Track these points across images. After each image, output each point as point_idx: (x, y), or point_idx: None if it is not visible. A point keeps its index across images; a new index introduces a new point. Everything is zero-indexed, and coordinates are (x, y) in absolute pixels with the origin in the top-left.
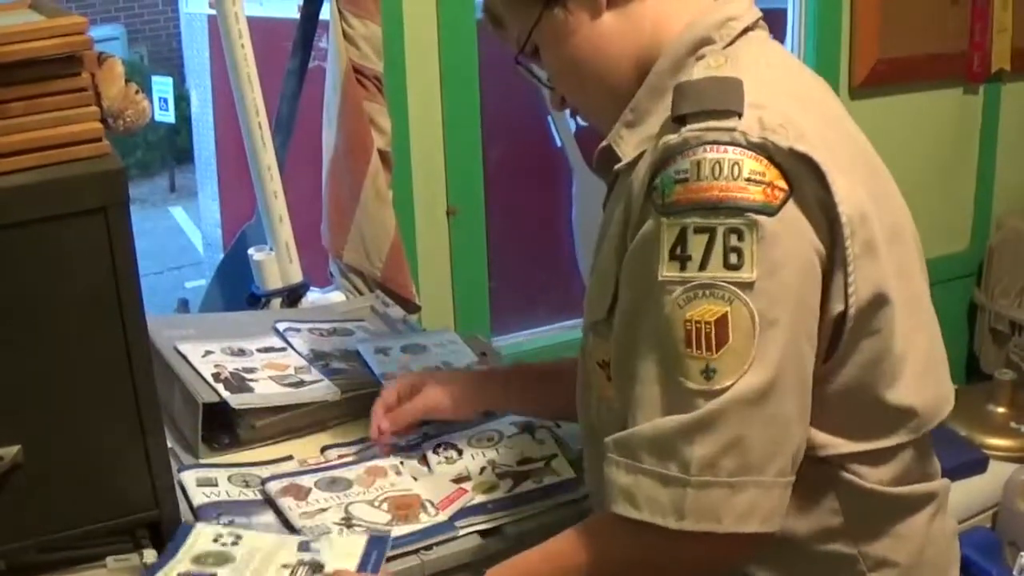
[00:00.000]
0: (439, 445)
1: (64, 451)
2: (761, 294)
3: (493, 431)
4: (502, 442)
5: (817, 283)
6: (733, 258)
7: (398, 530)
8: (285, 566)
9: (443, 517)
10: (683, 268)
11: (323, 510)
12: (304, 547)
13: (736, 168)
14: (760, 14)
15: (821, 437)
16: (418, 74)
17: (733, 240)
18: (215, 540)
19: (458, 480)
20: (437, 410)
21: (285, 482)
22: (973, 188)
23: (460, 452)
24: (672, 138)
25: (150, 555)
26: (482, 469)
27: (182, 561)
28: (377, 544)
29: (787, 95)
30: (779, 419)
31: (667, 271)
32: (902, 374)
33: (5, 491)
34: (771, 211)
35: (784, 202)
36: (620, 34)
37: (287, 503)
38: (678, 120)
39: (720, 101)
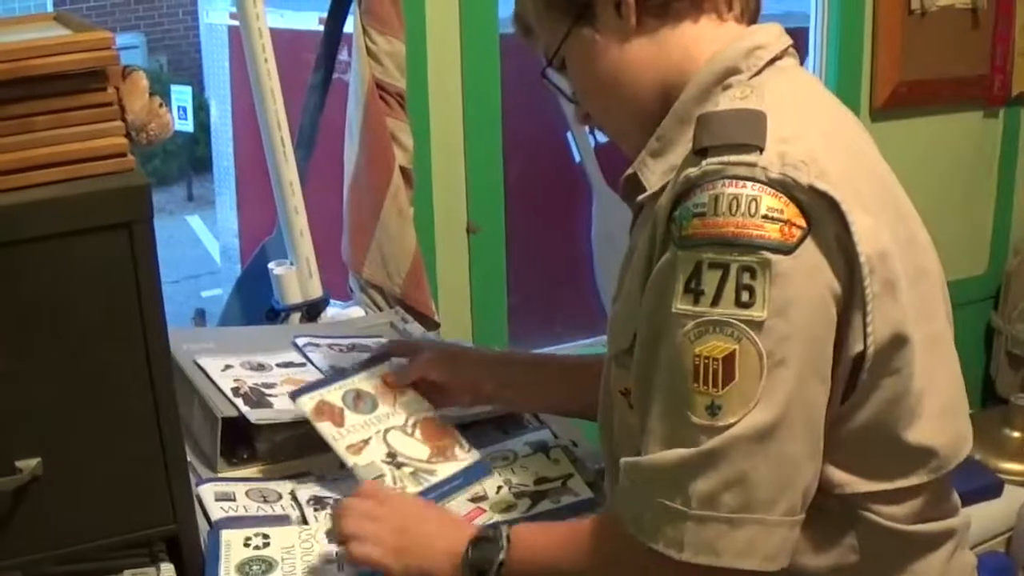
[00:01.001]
0: None
1: (83, 464)
2: (770, 333)
3: (508, 451)
4: (517, 462)
5: (830, 323)
6: (745, 296)
7: (442, 471)
8: (330, 562)
9: (477, 455)
10: (696, 302)
11: (365, 441)
12: (331, 534)
13: (754, 204)
14: (790, 42)
15: (839, 475)
16: (440, 91)
17: (746, 278)
18: (246, 544)
19: (474, 499)
20: (433, 375)
21: (316, 398)
22: (992, 212)
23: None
24: (693, 171)
25: (167, 569)
26: (498, 489)
27: (229, 573)
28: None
29: (812, 129)
30: (786, 458)
31: (680, 304)
32: (922, 414)
33: (24, 503)
34: (787, 250)
35: (801, 240)
36: (648, 58)
37: (328, 430)
38: (700, 153)
39: (742, 135)
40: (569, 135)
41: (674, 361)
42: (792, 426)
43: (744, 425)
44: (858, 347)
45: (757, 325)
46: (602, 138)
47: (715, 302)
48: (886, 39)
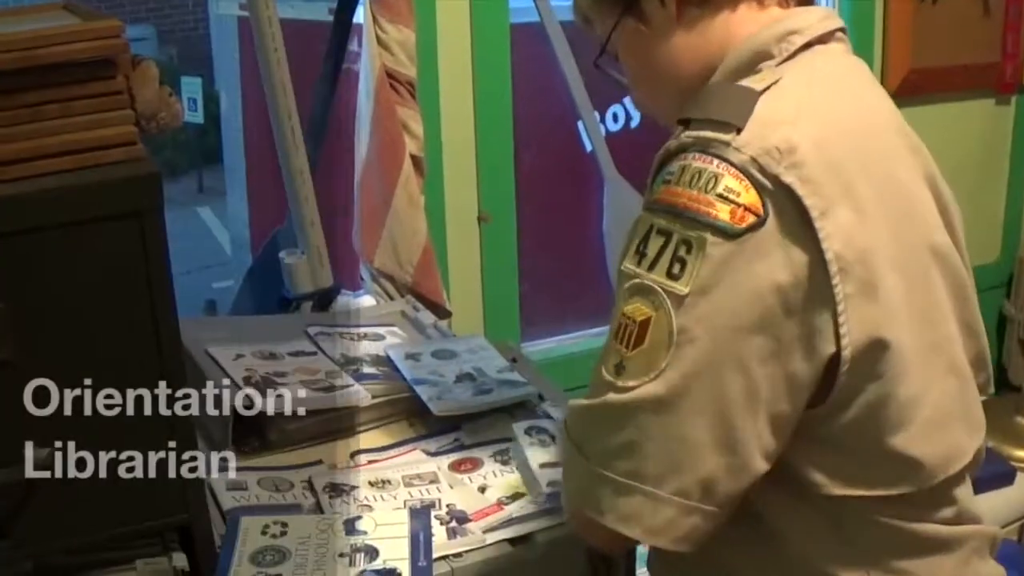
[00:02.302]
0: (461, 462)
1: (94, 454)
2: (688, 310)
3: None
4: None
5: (763, 317)
6: (676, 268)
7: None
8: (342, 555)
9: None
10: (638, 264)
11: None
12: (350, 528)
13: (713, 181)
14: (835, 25)
15: (819, 478)
16: (451, 80)
17: (682, 250)
18: (263, 532)
19: (482, 490)
20: None
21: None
22: (1003, 199)
23: (482, 464)
24: (673, 142)
25: (179, 558)
26: (508, 482)
27: (242, 562)
28: (420, 517)
29: (814, 118)
30: (680, 438)
31: (628, 262)
32: (910, 422)
33: (35, 494)
34: (731, 233)
35: (752, 228)
36: (690, 47)
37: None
38: (683, 123)
39: (725, 112)
40: (580, 124)
41: (613, 316)
42: (691, 408)
43: (641, 392)
44: (830, 348)
45: (678, 299)
46: (612, 127)
47: (651, 267)
48: (897, 27)
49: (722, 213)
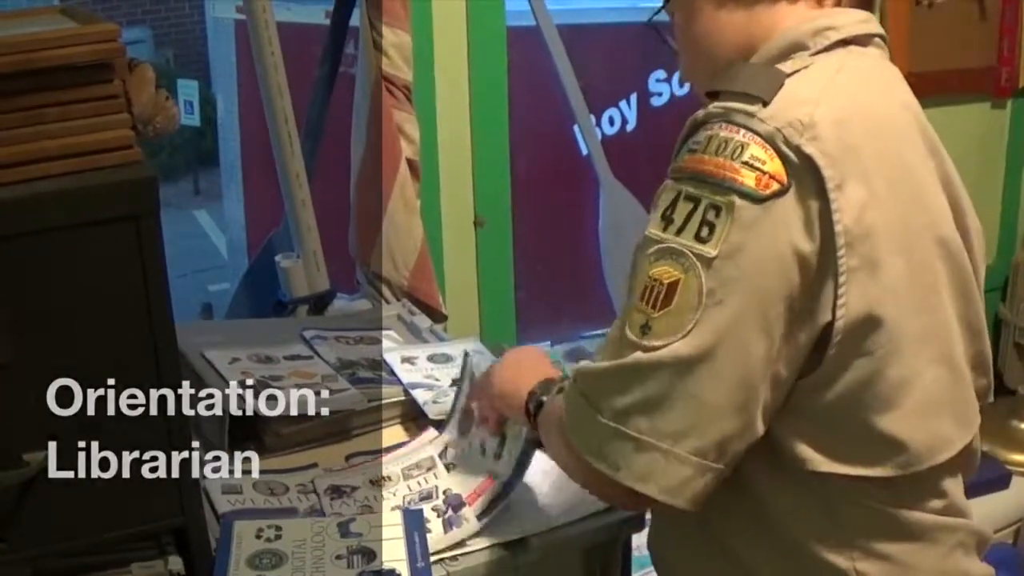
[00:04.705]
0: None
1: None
2: (717, 272)
3: None
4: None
5: (785, 282)
6: (704, 231)
7: None
8: (339, 558)
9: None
10: (665, 229)
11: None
12: (345, 530)
13: (740, 149)
14: (876, 30)
15: (806, 451)
16: (447, 84)
17: (711, 215)
18: (258, 536)
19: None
20: None
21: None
22: (999, 203)
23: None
24: (701, 112)
25: (175, 561)
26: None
27: (239, 566)
28: (414, 519)
29: (836, 101)
30: (702, 398)
31: (653, 228)
32: (898, 404)
33: (31, 496)
34: (757, 198)
35: (776, 195)
36: (737, 25)
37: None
38: (711, 95)
39: (752, 86)
40: (576, 128)
41: (635, 280)
42: (716, 370)
43: (667, 352)
44: (826, 317)
45: (707, 261)
46: (608, 130)
47: (679, 232)
48: (893, 30)
49: (748, 180)
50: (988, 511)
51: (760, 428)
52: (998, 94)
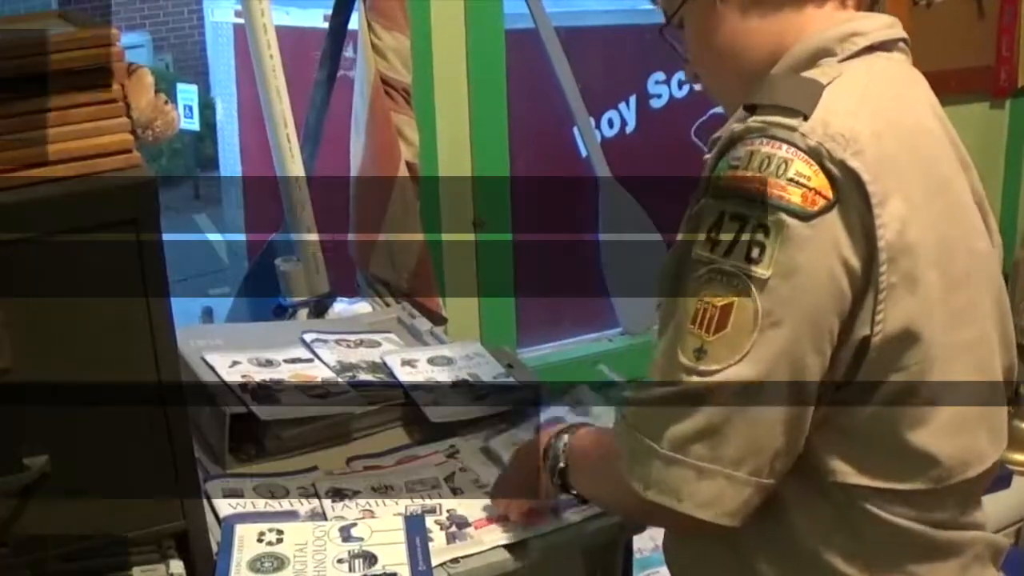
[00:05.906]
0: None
1: (91, 461)
2: (771, 293)
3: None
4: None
5: (838, 298)
6: (755, 252)
7: None
8: (340, 561)
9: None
10: (712, 250)
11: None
12: (346, 534)
13: (784, 166)
14: (900, 35)
15: (838, 465)
16: (446, 86)
17: (760, 235)
18: (259, 540)
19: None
20: None
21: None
22: (999, 202)
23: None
24: (738, 127)
25: (176, 566)
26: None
27: (241, 569)
28: (416, 524)
29: (872, 112)
30: (762, 420)
31: (700, 249)
32: (931, 419)
33: (32, 500)
34: (805, 216)
35: (823, 211)
36: (764, 30)
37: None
38: (749, 109)
39: (792, 99)
40: (575, 129)
41: (684, 303)
42: (776, 390)
43: (726, 376)
44: (864, 331)
45: (760, 283)
46: (608, 132)
47: (728, 253)
48: None
49: (795, 197)
50: (989, 511)
51: (803, 443)
52: (997, 94)
